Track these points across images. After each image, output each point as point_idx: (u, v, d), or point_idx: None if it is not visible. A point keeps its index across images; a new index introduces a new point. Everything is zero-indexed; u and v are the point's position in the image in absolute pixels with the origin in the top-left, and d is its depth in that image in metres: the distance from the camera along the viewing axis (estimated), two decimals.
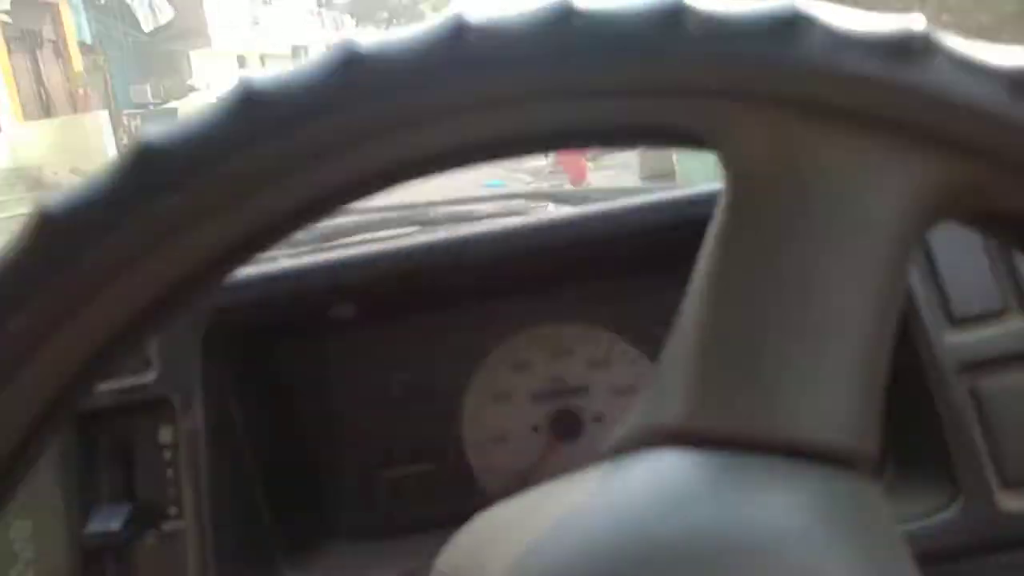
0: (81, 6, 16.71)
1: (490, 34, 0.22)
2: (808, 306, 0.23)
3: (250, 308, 0.61)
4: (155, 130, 0.23)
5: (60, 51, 15.85)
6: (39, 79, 15.23)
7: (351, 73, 0.22)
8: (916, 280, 0.58)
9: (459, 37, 0.22)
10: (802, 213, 0.23)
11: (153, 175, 0.22)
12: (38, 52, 15.28)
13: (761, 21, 0.23)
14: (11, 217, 11.85)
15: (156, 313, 0.23)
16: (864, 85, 0.23)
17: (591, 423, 0.68)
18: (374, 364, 0.69)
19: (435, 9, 28.37)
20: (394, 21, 28.09)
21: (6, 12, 13.26)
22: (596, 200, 0.66)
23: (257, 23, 24.05)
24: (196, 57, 20.60)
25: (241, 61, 23.58)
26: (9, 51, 14.18)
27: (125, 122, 16.62)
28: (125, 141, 15.95)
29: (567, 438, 0.68)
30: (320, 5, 26.83)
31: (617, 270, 0.68)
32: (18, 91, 14.26)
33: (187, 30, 19.93)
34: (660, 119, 0.23)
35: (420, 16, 28.04)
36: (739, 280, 0.23)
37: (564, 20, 0.22)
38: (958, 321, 0.58)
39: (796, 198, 0.23)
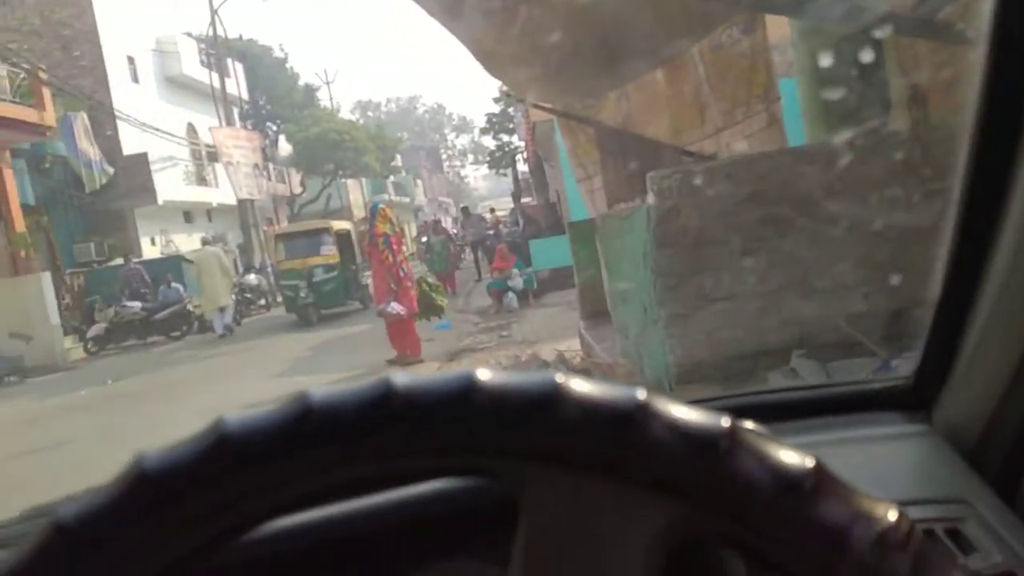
0: (25, 169, 16.88)
1: (330, 414, 0.31)
2: None
3: None
4: (151, 458, 0.32)
5: (2, 214, 15.85)
6: None
7: (221, 450, 0.32)
8: None
9: (306, 416, 0.31)
10: (568, 541, 0.31)
11: (147, 499, 0.31)
12: None
13: (528, 395, 0.32)
14: None
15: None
16: (600, 446, 0.31)
17: None
18: None
19: (378, 161, 29.32)
20: (340, 173, 28.86)
21: None
22: None
23: (204, 178, 24.51)
24: (142, 214, 20.79)
25: (187, 216, 23.86)
26: None
27: (67, 281, 16.52)
28: (67, 300, 15.78)
29: None
30: (267, 159, 27.53)
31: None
32: None
33: (132, 188, 20.18)
34: (467, 466, 0.33)
35: (364, 168, 28.90)
36: None
37: (386, 400, 0.31)
38: None
39: (563, 529, 0.32)
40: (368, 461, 0.32)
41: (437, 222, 20.77)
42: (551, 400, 0.32)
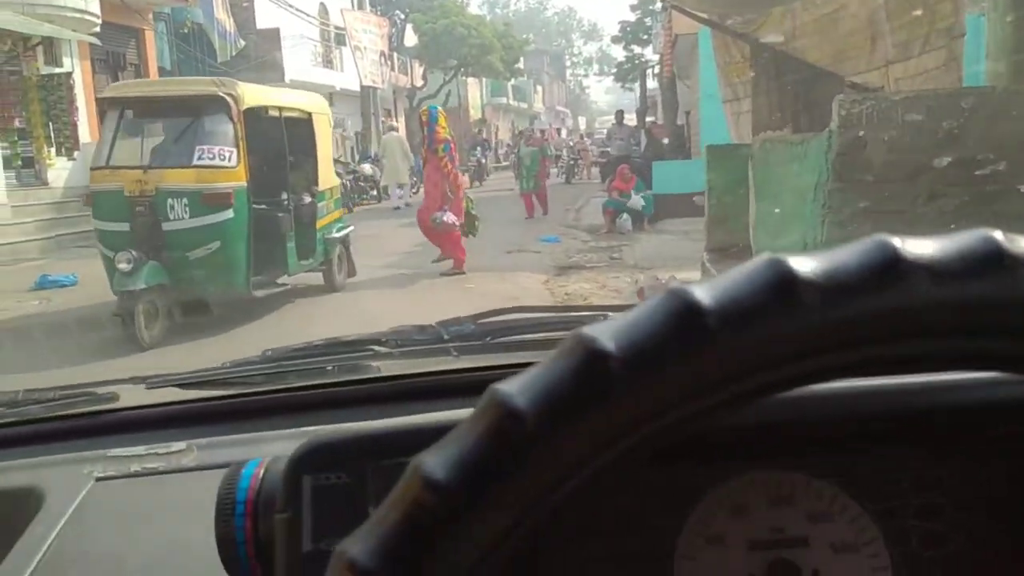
0: (164, 33, 17.27)
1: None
2: None
3: None
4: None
5: (141, 74, 16.35)
6: None
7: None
8: None
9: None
10: None
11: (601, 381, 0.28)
12: (120, 74, 15.77)
13: None
14: (79, 233, 12.12)
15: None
16: None
17: None
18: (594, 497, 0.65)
19: (503, 61, 28.82)
20: (462, 69, 28.53)
21: (95, 35, 13.70)
22: None
23: (330, 60, 24.64)
24: None
25: None
26: (93, 71, 14.64)
27: None
28: None
29: None
30: (392, 48, 27.39)
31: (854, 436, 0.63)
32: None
33: (262, 63, 20.47)
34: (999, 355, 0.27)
35: (488, 67, 28.45)
36: None
37: (894, 265, 0.26)
38: None
39: None
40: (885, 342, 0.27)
41: (535, 131, 19.20)
42: None
